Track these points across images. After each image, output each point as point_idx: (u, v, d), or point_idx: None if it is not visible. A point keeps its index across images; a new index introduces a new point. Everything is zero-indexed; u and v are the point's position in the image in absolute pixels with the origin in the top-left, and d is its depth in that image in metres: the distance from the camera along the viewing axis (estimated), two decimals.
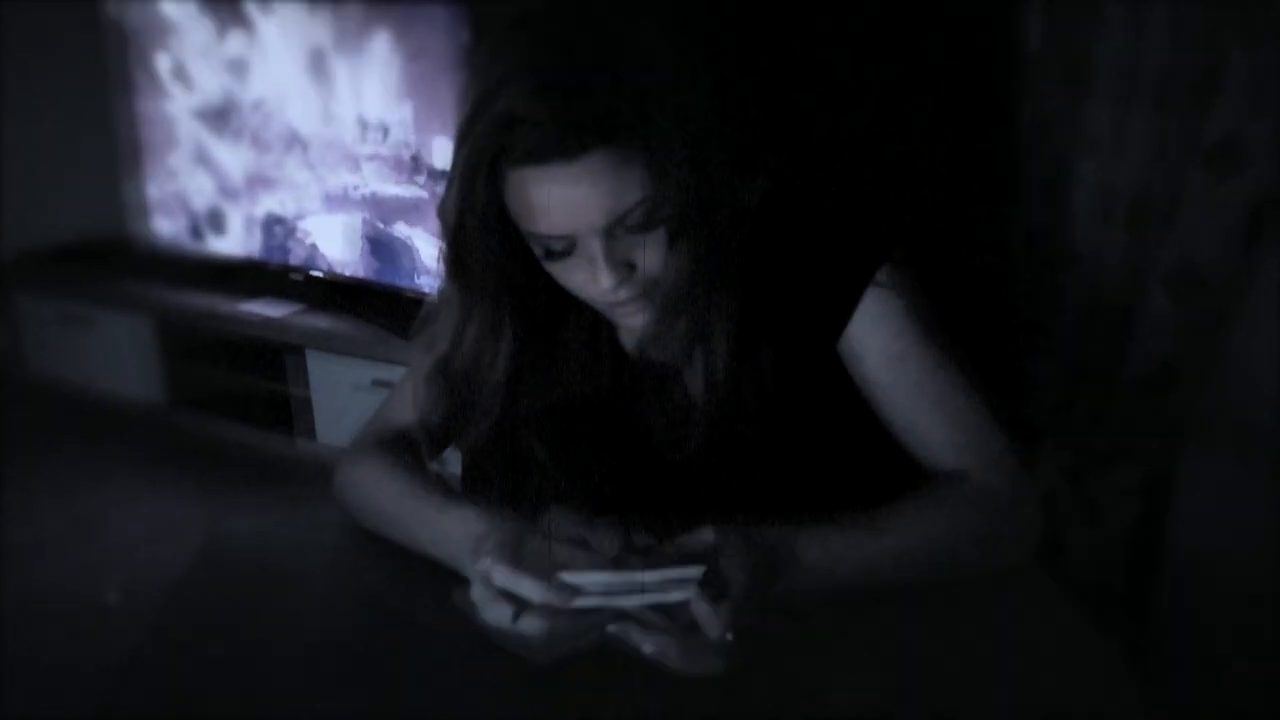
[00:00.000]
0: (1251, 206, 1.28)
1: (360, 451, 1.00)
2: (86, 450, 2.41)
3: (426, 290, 2.00)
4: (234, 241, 2.40)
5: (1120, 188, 1.32)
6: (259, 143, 2.27)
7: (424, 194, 2.01)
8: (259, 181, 2.30)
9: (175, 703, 0.77)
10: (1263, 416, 1.32)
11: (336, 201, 2.17)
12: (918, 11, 1.41)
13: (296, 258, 2.29)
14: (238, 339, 2.28)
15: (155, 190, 2.48)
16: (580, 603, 0.73)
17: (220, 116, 2.32)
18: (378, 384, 2.06)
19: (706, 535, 0.77)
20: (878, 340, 0.90)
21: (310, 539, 1.02)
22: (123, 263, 2.53)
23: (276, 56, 2.17)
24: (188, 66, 2.33)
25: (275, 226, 2.31)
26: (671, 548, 0.78)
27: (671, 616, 0.74)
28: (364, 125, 2.07)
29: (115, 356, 2.50)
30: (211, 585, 0.92)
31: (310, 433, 2.24)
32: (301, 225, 2.26)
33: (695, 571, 0.73)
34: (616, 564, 0.75)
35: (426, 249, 2.02)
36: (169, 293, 2.41)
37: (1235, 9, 1.21)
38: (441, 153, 1.93)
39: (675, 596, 0.73)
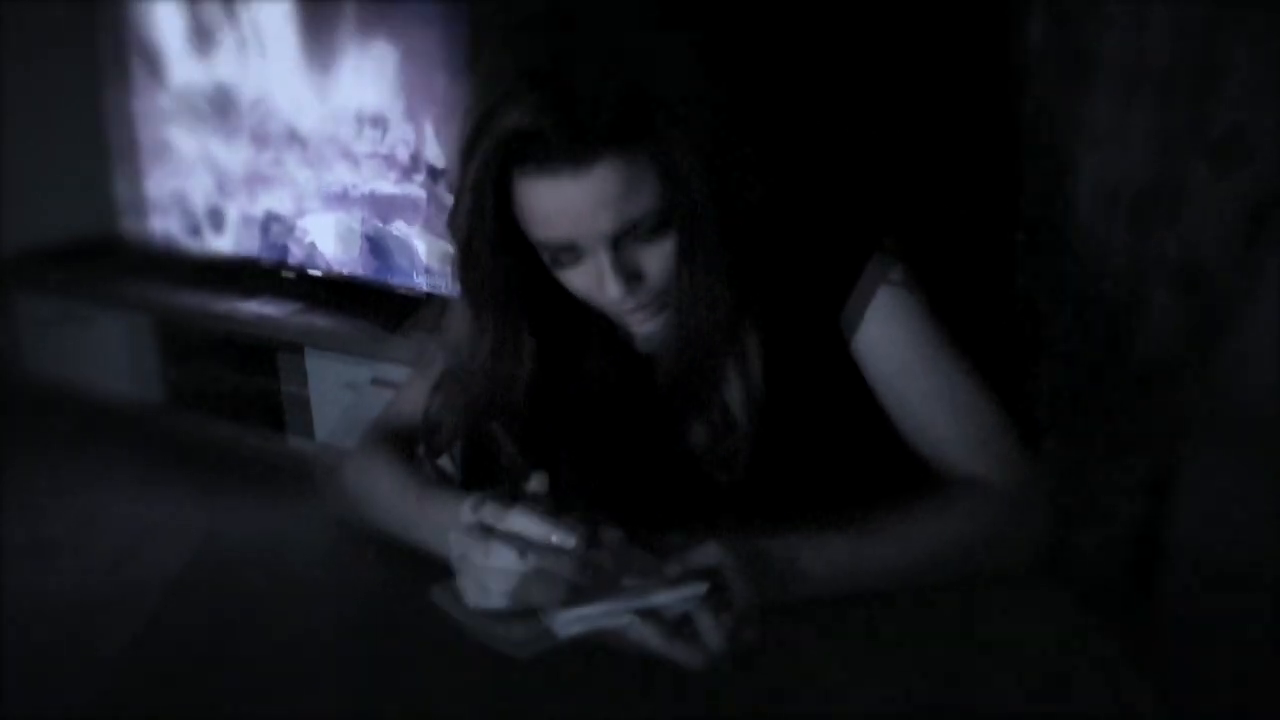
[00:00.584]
0: (1255, 202, 1.27)
1: (362, 452, 1.00)
2: (84, 449, 2.41)
3: (425, 289, 2.00)
4: (232, 240, 2.39)
5: (1123, 183, 1.32)
6: (257, 140, 2.26)
7: (423, 193, 2.00)
8: (257, 179, 2.30)
9: (172, 701, 0.77)
10: (1267, 413, 1.31)
11: (335, 200, 2.17)
12: (921, 6, 1.41)
13: (295, 256, 2.28)
14: (236, 338, 2.27)
15: (153, 189, 2.48)
16: (580, 628, 0.73)
17: (218, 114, 2.31)
18: (377, 383, 2.05)
19: (711, 550, 0.76)
20: (894, 339, 0.89)
21: (307, 538, 1.02)
22: (120, 262, 2.52)
23: (275, 54, 2.16)
24: (185, 64, 2.32)
25: (273, 225, 2.31)
26: (675, 561, 0.77)
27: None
28: (362, 123, 2.07)
29: (114, 356, 2.49)
30: (209, 584, 0.93)
31: (309, 432, 2.24)
32: (300, 224, 2.26)
33: (700, 589, 0.73)
34: (585, 561, 0.75)
35: (425, 248, 2.01)
36: (167, 292, 2.40)
37: (1238, 3, 1.21)
38: (441, 152, 1.92)
39: (678, 609, 0.73)
